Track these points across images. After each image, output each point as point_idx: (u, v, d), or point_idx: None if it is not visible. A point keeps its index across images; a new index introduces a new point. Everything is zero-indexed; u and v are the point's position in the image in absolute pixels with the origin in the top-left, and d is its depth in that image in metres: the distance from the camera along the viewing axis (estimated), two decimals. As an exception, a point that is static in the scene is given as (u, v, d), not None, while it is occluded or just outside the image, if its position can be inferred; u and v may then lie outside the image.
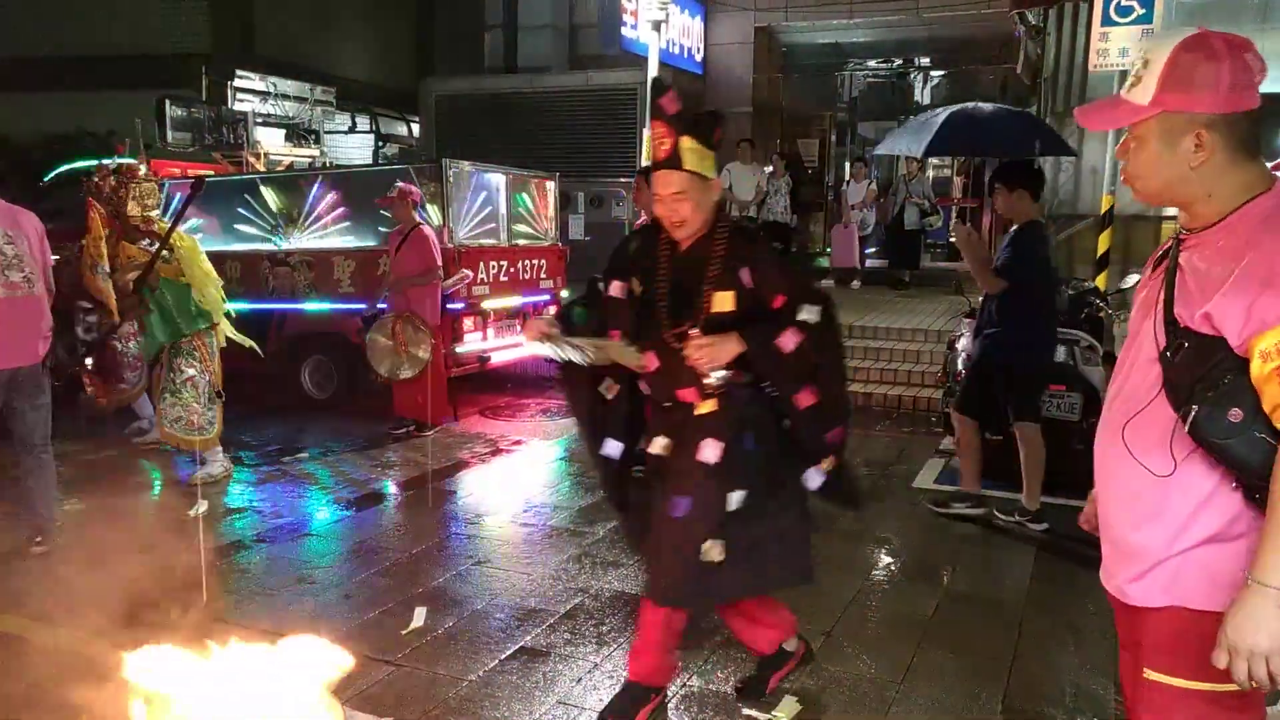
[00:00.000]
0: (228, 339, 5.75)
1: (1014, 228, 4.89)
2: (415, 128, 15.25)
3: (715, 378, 2.70)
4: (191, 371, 5.56)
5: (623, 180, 12.38)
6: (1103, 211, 8.26)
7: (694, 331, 2.69)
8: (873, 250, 13.55)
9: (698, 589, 2.79)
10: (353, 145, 15.07)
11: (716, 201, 2.77)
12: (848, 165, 15.47)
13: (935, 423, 6.79)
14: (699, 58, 13.36)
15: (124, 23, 13.78)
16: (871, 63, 15.90)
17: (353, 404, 7.53)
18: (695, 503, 2.72)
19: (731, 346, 2.64)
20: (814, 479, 2.91)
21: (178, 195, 7.16)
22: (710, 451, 2.73)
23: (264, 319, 7.64)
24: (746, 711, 3.15)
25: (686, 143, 2.65)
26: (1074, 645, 3.68)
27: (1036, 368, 4.96)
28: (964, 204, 15.11)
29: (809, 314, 2.68)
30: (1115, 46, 7.81)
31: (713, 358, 2.64)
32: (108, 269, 5.35)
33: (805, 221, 14.36)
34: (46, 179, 8.95)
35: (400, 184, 6.75)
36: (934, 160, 20.41)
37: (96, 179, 5.59)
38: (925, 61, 16.06)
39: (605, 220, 12.87)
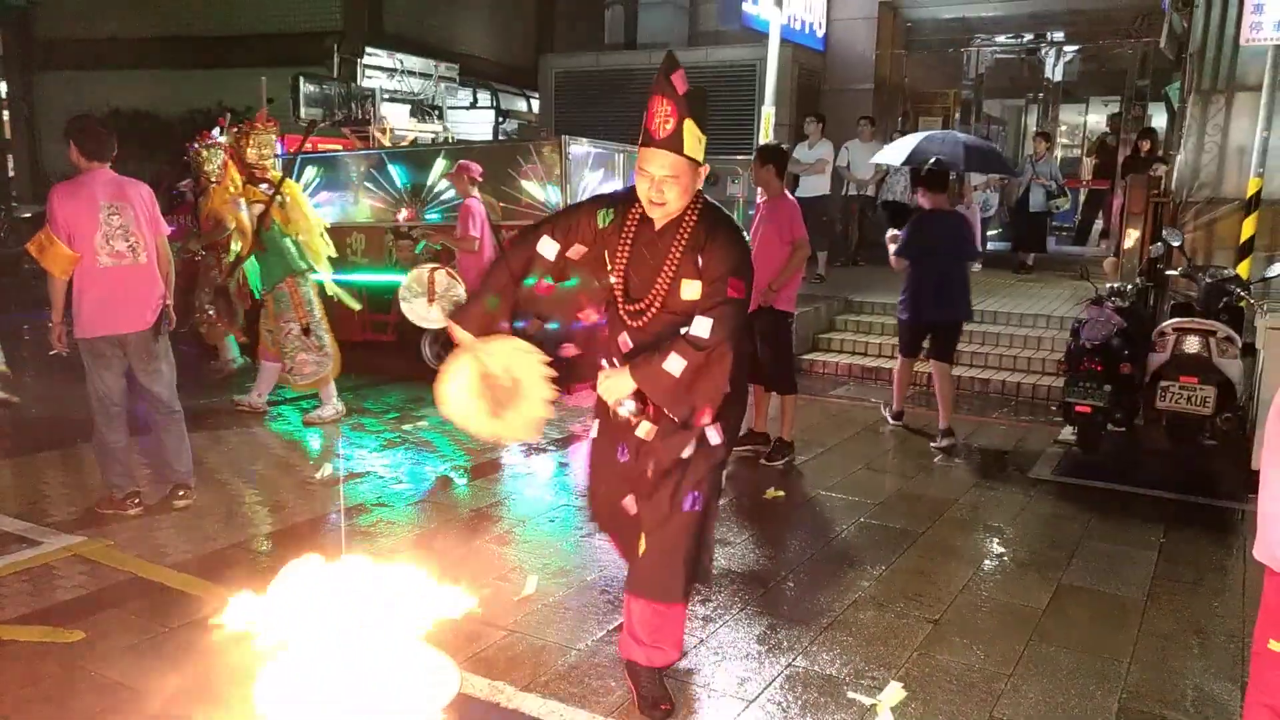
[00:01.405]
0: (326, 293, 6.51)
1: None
2: (535, 104, 15.46)
3: (625, 410, 2.73)
4: (291, 325, 6.24)
5: (739, 158, 12.29)
6: (1249, 195, 7.79)
7: (603, 365, 2.79)
8: (995, 232, 13.10)
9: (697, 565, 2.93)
10: (474, 121, 15.38)
11: (701, 182, 2.73)
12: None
13: (1055, 411, 6.57)
14: (820, 34, 13.10)
15: (262, 3, 14.38)
16: (1000, 38, 15.25)
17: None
18: (708, 490, 2.82)
19: (625, 383, 2.68)
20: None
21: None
22: (715, 434, 2.80)
23: (387, 290, 7.94)
24: (851, 695, 3.15)
25: (690, 126, 2.60)
26: (1198, 648, 3.54)
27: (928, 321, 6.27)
28: (1094, 185, 14.46)
29: (697, 327, 2.61)
30: (1270, 19, 7.31)
31: (613, 394, 2.71)
32: (243, 201, 6.21)
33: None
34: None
35: (461, 161, 7.16)
36: (1064, 140, 19.58)
37: (235, 129, 6.42)
38: (1059, 36, 15.32)
39: (720, 198, 12.79)
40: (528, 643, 3.46)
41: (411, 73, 13.18)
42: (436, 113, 13.58)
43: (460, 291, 6.84)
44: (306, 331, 6.30)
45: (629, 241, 2.75)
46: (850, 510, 4.99)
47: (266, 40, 13.75)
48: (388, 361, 8.13)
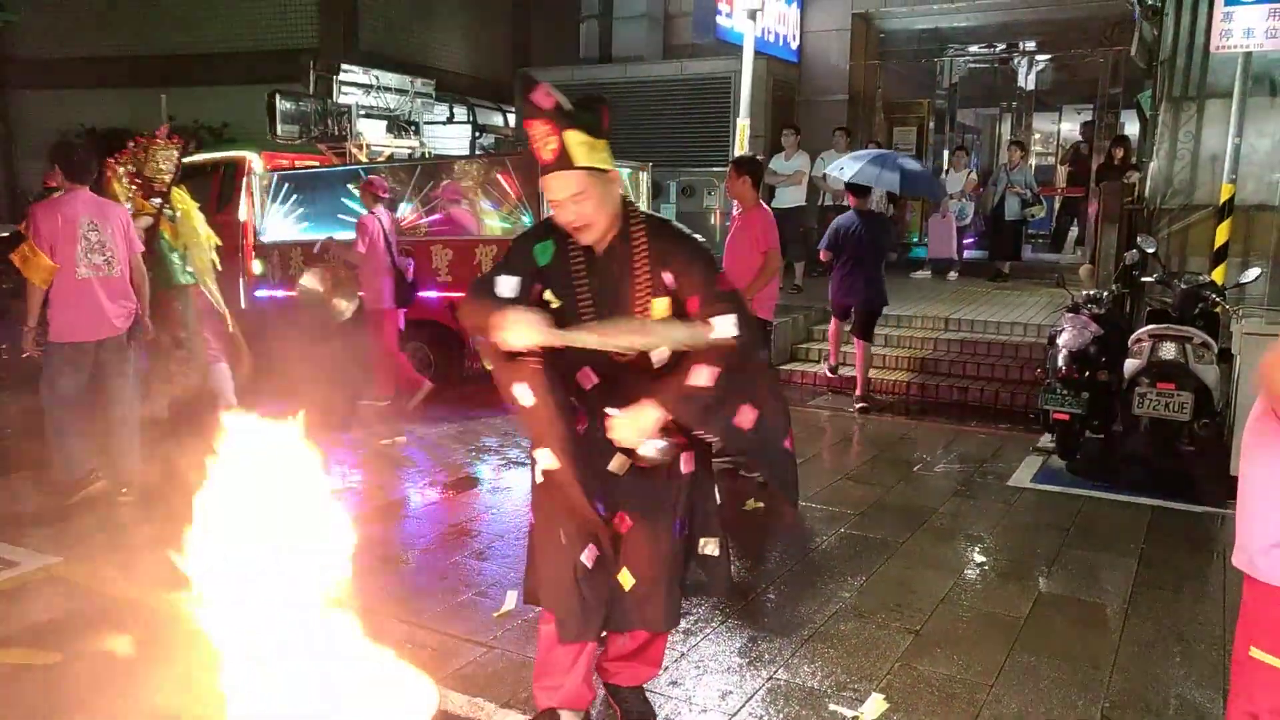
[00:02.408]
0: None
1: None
2: (511, 118, 15.45)
3: (654, 450, 2.43)
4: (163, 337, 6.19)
5: (715, 170, 12.33)
6: (1222, 201, 7.88)
7: (610, 412, 2.46)
8: (971, 241, 13.20)
9: (694, 584, 2.78)
10: (450, 136, 15.34)
11: (621, 195, 2.54)
12: (945, 154, 15.09)
13: (1033, 420, 6.60)
14: (794, 45, 13.19)
15: (238, 21, 14.29)
16: (973, 48, 15.42)
17: (450, 389, 7.72)
18: (694, 517, 2.66)
19: (650, 415, 2.40)
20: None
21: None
22: (686, 461, 2.62)
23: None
24: (833, 707, 3.13)
25: (573, 137, 2.38)
26: (1180, 656, 3.55)
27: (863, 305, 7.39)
28: (1069, 193, 14.60)
29: (723, 329, 2.41)
30: (1240, 27, 7.40)
31: (637, 435, 2.41)
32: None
33: (902, 211, 14.08)
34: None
35: (368, 177, 7.29)
36: (1038, 148, 19.78)
37: (133, 145, 6.35)
38: (1031, 45, 15.50)
39: (697, 210, 12.83)
40: (507, 659, 3.42)
41: (388, 89, 13.12)
42: (413, 128, 13.55)
43: (351, 293, 7.02)
44: (178, 344, 6.29)
45: (582, 271, 2.54)
46: (830, 521, 4.99)
47: (242, 58, 13.70)
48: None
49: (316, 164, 9.54)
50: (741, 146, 9.26)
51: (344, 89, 11.87)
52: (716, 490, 2.76)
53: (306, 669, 2.30)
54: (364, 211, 7.10)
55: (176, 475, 5.70)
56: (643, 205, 8.82)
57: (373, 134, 11.86)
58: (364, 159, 10.21)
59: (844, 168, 8.54)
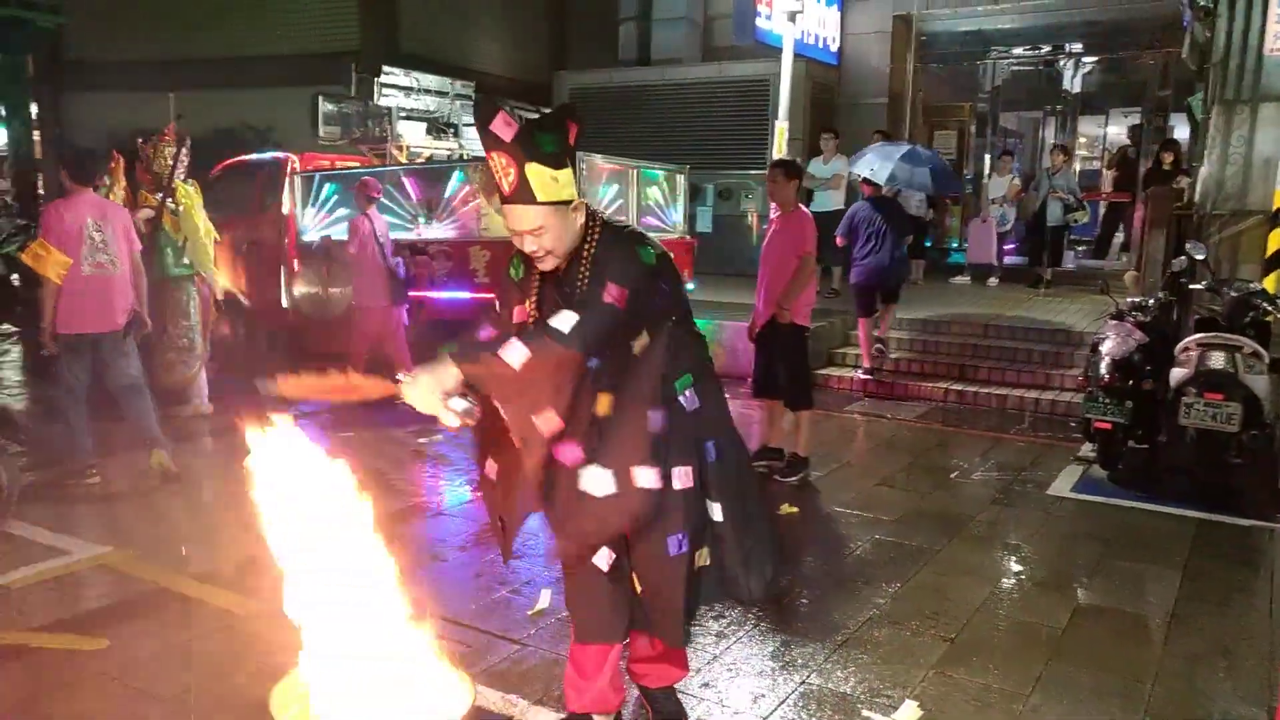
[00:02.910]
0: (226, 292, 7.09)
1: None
2: (550, 120, 15.55)
3: (460, 409, 2.33)
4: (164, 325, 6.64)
5: (753, 173, 12.30)
6: (1275, 207, 7.71)
7: (399, 377, 2.36)
8: (1012, 247, 13.04)
9: (692, 603, 2.65)
10: (490, 138, 15.50)
11: (586, 211, 2.49)
12: (987, 158, 14.90)
13: (1074, 428, 6.50)
14: (834, 48, 13.12)
15: (282, 24, 14.52)
16: (1017, 50, 15.23)
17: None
18: (688, 534, 2.55)
19: (447, 376, 2.30)
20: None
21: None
22: (682, 478, 2.52)
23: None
24: (866, 713, 3.11)
25: (533, 171, 2.31)
26: (1225, 670, 3.47)
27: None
28: (1114, 198, 14.35)
29: (561, 320, 2.33)
30: (1292, 30, 7.26)
31: (432, 394, 2.30)
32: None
33: (942, 215, 13.94)
34: (214, 171, 9.56)
35: (362, 179, 7.54)
36: (1083, 152, 19.48)
37: (142, 142, 6.85)
38: (1077, 48, 15.27)
39: (734, 213, 12.83)
40: (541, 657, 3.43)
41: (428, 91, 13.30)
42: (452, 130, 13.69)
43: (343, 289, 7.54)
44: (164, 331, 6.73)
45: (537, 287, 2.56)
46: (866, 527, 4.94)
47: (286, 61, 13.90)
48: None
49: (357, 165, 9.65)
50: (780, 149, 9.23)
51: (384, 91, 12.03)
52: (716, 505, 2.61)
53: (343, 662, 2.32)
54: (362, 211, 7.32)
55: (215, 467, 5.83)
56: (680, 207, 8.82)
57: (413, 136, 12.00)
58: (404, 160, 10.32)
59: (875, 168, 8.61)
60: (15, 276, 9.16)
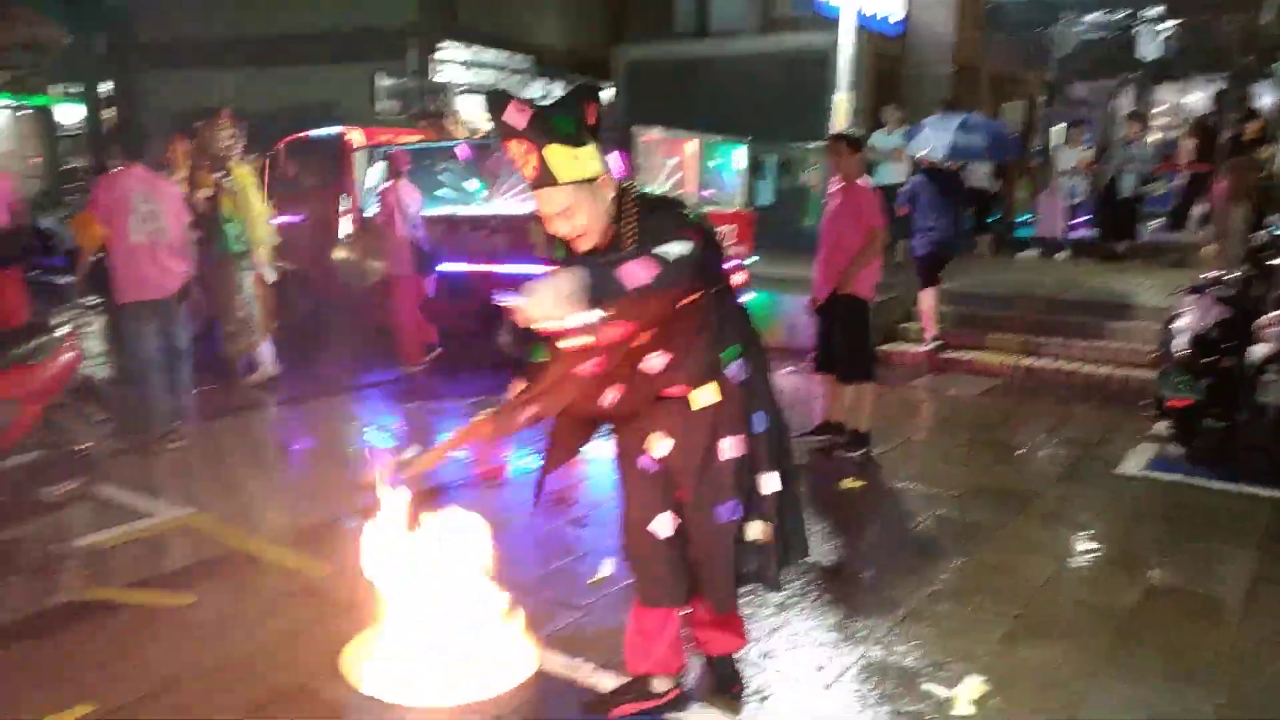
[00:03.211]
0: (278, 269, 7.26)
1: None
2: (609, 92, 15.50)
3: (591, 319, 2.12)
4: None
5: (815, 145, 12.13)
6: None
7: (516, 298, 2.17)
8: (1082, 220, 12.69)
9: (747, 573, 2.69)
10: (548, 111, 15.51)
11: (618, 186, 2.47)
12: (1052, 129, 14.46)
13: (1146, 405, 6.33)
14: (898, 17, 12.83)
15: (341, 0, 14.69)
16: (1090, 16, 14.75)
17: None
18: (739, 502, 2.60)
19: (560, 282, 2.09)
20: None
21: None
22: (733, 447, 2.57)
23: (464, 280, 8.06)
24: (927, 686, 3.09)
25: (553, 153, 2.30)
26: (1301, 652, 3.38)
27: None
28: (1193, 169, 13.86)
29: (666, 249, 2.21)
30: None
31: (547, 308, 2.09)
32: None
33: (1010, 188, 13.61)
34: (278, 148, 9.73)
35: (392, 151, 7.78)
36: (1160, 121, 18.84)
37: (199, 125, 7.17)
38: (1154, 12, 14.73)
39: (795, 185, 12.67)
40: (602, 623, 3.48)
41: (485, 65, 13.32)
42: (512, 97, 13.73)
43: (376, 258, 7.68)
44: (227, 307, 6.98)
45: None
46: (928, 502, 4.89)
47: (345, 37, 14.03)
48: (469, 349, 8.25)
49: (417, 139, 9.74)
50: (840, 122, 9.09)
51: (442, 66, 12.06)
52: (771, 475, 2.66)
53: (412, 626, 2.38)
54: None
55: (288, 434, 5.98)
56: (740, 180, 8.75)
57: (471, 110, 12.04)
58: (461, 135, 10.38)
59: (934, 145, 8.61)
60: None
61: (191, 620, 3.50)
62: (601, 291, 2.10)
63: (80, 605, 3.64)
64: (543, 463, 2.87)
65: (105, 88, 16.49)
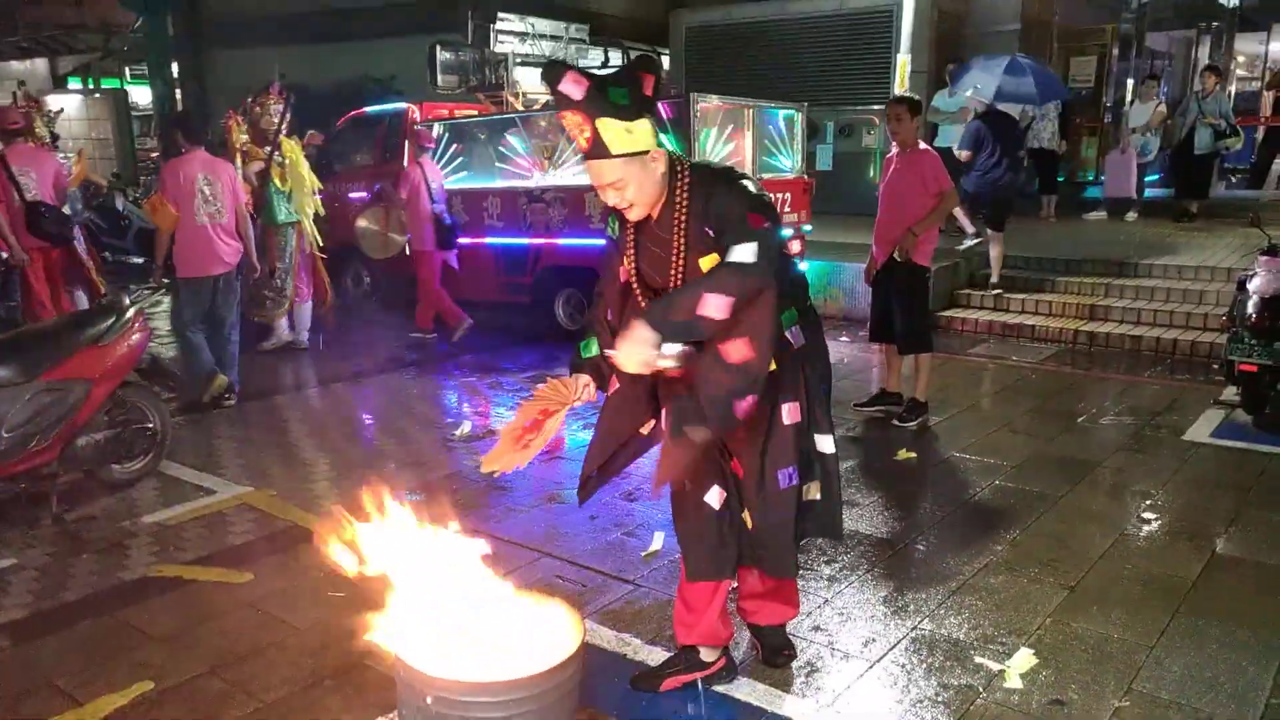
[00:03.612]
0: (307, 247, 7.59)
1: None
2: (667, 60, 15.39)
3: (673, 356, 2.35)
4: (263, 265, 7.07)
5: (875, 108, 11.91)
6: None
7: (609, 352, 2.46)
8: (1155, 179, 12.25)
9: (806, 529, 2.79)
10: (605, 81, 15.44)
11: (670, 159, 2.50)
12: (1129, 84, 13.94)
13: (1216, 371, 6.15)
14: (963, -27, 12.47)
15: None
16: (1167, -38, 14.11)
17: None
18: (797, 467, 2.66)
19: (642, 338, 2.32)
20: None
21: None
22: (791, 413, 2.63)
23: (521, 253, 8.14)
24: (979, 660, 3.09)
25: (605, 125, 2.34)
26: (1369, 627, 3.29)
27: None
28: (1274, 123, 13.28)
29: (740, 255, 2.32)
30: None
31: (639, 362, 2.35)
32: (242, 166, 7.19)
33: (1076, 145, 13.18)
34: (339, 123, 9.90)
35: (416, 129, 8.21)
36: (1241, 72, 18.01)
37: (250, 101, 7.46)
38: (1234, -43, 14.04)
39: (855, 150, 12.47)
40: (653, 598, 3.54)
41: (543, 35, 13.32)
42: (569, 67, 13.71)
43: (399, 228, 7.89)
44: (272, 274, 7.37)
45: (633, 238, 2.63)
46: (985, 472, 4.85)
47: (407, 9, 14.16)
48: (522, 321, 8.36)
49: (476, 113, 9.81)
50: (902, 83, 8.90)
51: (500, 38, 12.09)
52: (826, 437, 2.77)
53: (463, 600, 2.45)
54: (412, 161, 7.95)
55: (345, 411, 6.14)
56: (798, 146, 8.65)
57: (529, 82, 12.07)
58: (520, 107, 10.43)
59: (980, 85, 8.65)
60: None
61: (250, 597, 3.61)
62: (687, 337, 2.33)
63: (144, 582, 3.77)
64: (590, 456, 2.88)
65: (175, 69, 16.86)
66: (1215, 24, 16.16)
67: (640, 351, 2.33)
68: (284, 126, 7.31)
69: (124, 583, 3.77)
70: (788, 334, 2.62)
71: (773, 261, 2.35)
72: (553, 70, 2.39)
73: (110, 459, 4.69)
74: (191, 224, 6.00)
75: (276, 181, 7.24)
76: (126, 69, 20.64)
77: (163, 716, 2.88)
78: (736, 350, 2.37)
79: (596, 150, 2.38)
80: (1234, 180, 13.88)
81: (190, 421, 5.86)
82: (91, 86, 18.91)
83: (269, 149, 7.25)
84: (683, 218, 2.49)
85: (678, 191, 2.50)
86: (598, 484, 2.89)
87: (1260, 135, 13.70)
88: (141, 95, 18.96)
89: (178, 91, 16.03)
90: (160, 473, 4.95)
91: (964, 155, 8.22)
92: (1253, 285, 5.44)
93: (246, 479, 4.91)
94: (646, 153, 2.41)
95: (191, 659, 3.17)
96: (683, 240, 2.50)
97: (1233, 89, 15.35)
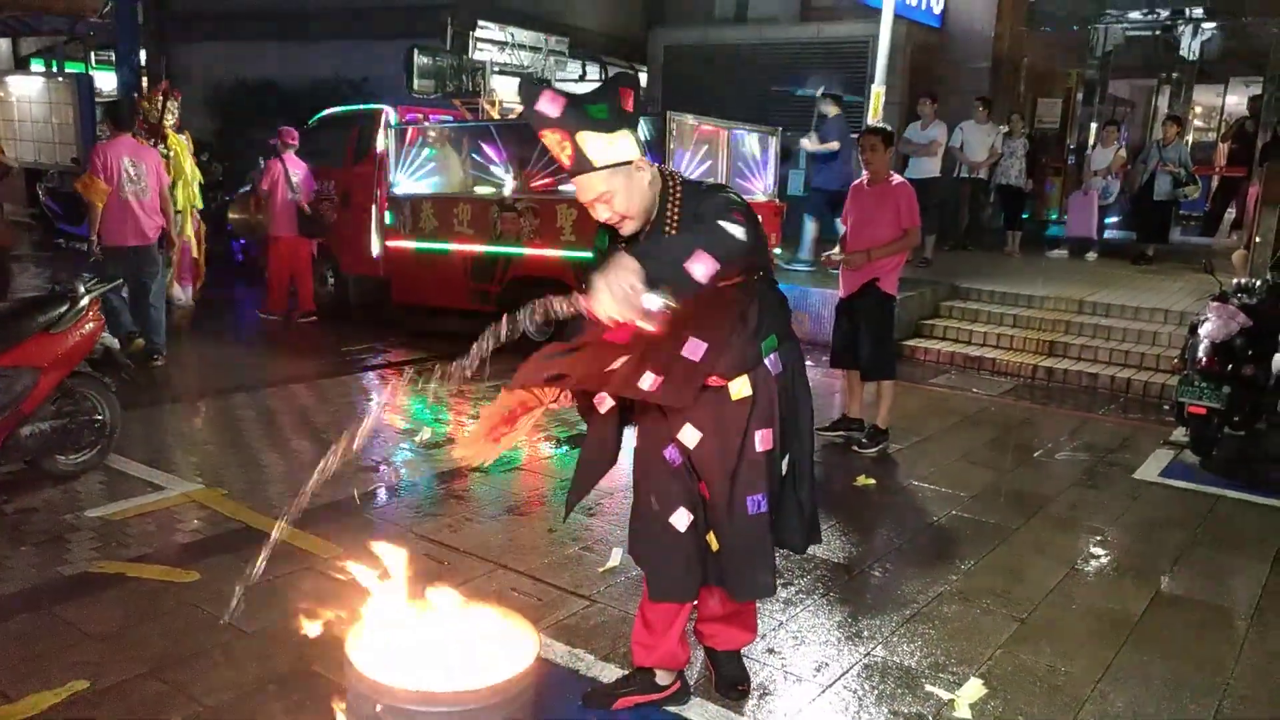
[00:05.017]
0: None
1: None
2: (644, 77, 15.45)
3: (655, 305, 2.04)
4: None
5: (849, 137, 12.05)
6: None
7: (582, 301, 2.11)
8: (1114, 220, 12.53)
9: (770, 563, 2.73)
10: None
11: (656, 174, 2.47)
12: (1093, 127, 14.26)
13: (1167, 411, 6.28)
14: (937, 9, 12.70)
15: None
16: (1133, 14, 14.49)
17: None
18: (767, 495, 2.62)
19: (626, 266, 2.02)
20: None
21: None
22: (764, 440, 2.59)
23: (491, 261, 8.11)
24: (929, 688, 3.11)
25: (585, 139, 2.32)
26: (1307, 669, 3.36)
27: None
28: (1228, 173, 13.66)
29: (733, 230, 2.20)
30: None
31: (618, 297, 2.00)
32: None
33: (1041, 185, 13.45)
34: (310, 122, 9.81)
35: (281, 127, 8.89)
36: (1198, 123, 18.50)
37: (144, 102, 7.96)
38: (1198, 12, 14.44)
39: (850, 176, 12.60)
40: (609, 614, 3.52)
41: (522, 46, 13.29)
42: (545, 86, 13.73)
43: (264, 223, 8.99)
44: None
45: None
46: (943, 502, 4.90)
47: (385, 12, 14.07)
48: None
49: (450, 119, 9.78)
50: (876, 113, 9.03)
51: (480, 45, 12.05)
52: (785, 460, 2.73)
53: (414, 610, 2.42)
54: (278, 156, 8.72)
55: (303, 411, 6.06)
56: (770, 171, 8.73)
57: (506, 91, 12.03)
58: (495, 115, 10.40)
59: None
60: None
61: (196, 598, 3.53)
62: (669, 283, 2.06)
63: (84, 578, 3.67)
64: (576, 479, 2.87)
65: (142, 58, 16.59)
66: (1175, 75, 16.59)
67: (622, 282, 2.00)
68: (173, 121, 7.83)
69: (63, 578, 3.67)
70: (766, 361, 2.58)
71: (744, 251, 2.25)
72: (529, 89, 2.37)
73: (55, 450, 4.58)
74: (116, 199, 6.66)
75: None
76: (92, 54, 20.27)
77: (98, 716, 2.80)
78: (699, 349, 2.41)
79: (579, 165, 2.35)
80: (1189, 226, 14.23)
81: (143, 416, 5.74)
82: (55, 70, 18.55)
83: (153, 141, 7.62)
84: (674, 232, 2.45)
85: (669, 205, 2.47)
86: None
87: (1215, 184, 14.07)
88: (106, 81, 18.63)
89: (144, 80, 15.78)
90: (107, 466, 4.84)
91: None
92: (1204, 330, 5.58)
93: (198, 476, 4.82)
94: (630, 162, 2.39)
95: (131, 659, 3.10)
96: None
97: (1190, 139, 15.74)
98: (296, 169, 8.81)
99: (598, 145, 2.33)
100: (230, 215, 10.08)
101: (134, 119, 7.16)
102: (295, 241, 8.89)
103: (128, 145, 6.83)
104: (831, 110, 9.70)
